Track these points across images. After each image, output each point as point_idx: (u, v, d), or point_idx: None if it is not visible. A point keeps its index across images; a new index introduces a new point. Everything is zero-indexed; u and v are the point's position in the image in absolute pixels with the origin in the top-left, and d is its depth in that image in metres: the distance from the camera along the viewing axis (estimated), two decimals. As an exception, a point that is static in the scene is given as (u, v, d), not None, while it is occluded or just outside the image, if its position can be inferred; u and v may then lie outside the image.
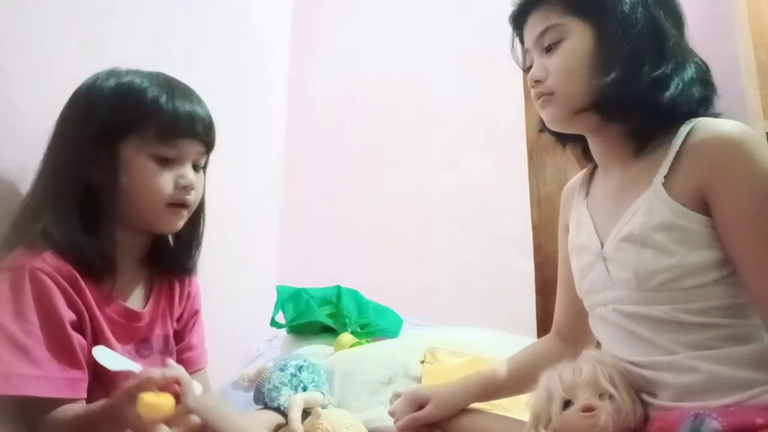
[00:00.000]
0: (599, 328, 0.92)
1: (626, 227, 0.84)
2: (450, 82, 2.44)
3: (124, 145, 0.90)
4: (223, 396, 1.50)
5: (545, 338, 1.13)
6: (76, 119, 0.92)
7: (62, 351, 0.83)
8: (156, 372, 0.73)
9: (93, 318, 0.89)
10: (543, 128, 0.99)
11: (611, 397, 0.78)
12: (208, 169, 1.07)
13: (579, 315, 0.99)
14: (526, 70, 0.96)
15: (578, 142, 1.00)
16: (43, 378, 0.81)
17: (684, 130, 0.82)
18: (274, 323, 1.84)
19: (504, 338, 1.69)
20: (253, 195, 2.07)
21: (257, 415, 1.24)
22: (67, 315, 0.85)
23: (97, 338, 0.90)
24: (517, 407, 1.10)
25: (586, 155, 1.01)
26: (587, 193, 1.00)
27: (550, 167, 2.32)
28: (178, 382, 0.74)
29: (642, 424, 0.79)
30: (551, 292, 2.13)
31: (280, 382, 1.29)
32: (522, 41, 0.98)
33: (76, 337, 0.85)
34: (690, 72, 0.86)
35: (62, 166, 0.90)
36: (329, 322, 1.74)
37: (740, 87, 1.77)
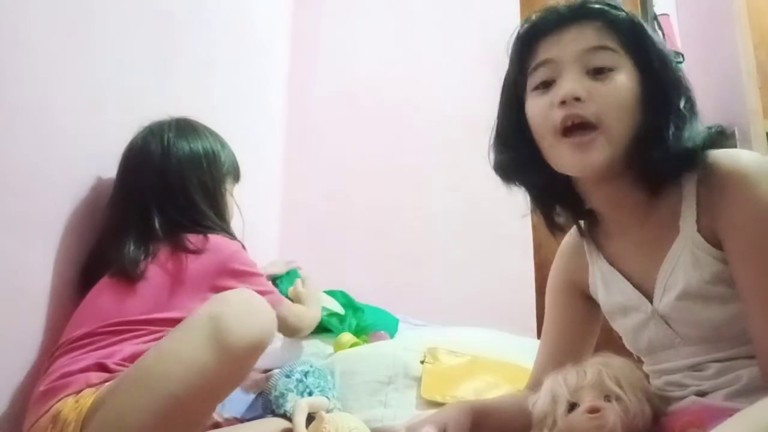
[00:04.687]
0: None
1: (676, 284, 0.79)
2: (450, 82, 2.44)
3: (223, 188, 1.31)
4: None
5: (518, 397, 0.98)
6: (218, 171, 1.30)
7: None
8: None
9: None
10: (501, 168, 0.92)
11: (618, 398, 0.77)
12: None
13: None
14: (541, 85, 0.84)
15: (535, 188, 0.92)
16: None
17: (696, 169, 0.78)
18: (274, 323, 1.83)
19: (504, 338, 1.68)
20: (253, 195, 2.06)
21: (264, 423, 1.25)
22: None
23: None
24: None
25: (545, 209, 0.93)
26: (599, 247, 0.92)
27: (550, 167, 2.31)
28: None
29: (651, 424, 0.79)
30: (551, 291, 2.13)
31: (285, 389, 1.30)
32: (529, 49, 0.85)
33: None
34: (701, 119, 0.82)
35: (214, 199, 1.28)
36: (330, 324, 1.73)
37: (740, 87, 1.77)
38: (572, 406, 0.79)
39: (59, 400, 0.94)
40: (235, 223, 1.37)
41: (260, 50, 2.31)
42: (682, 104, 0.79)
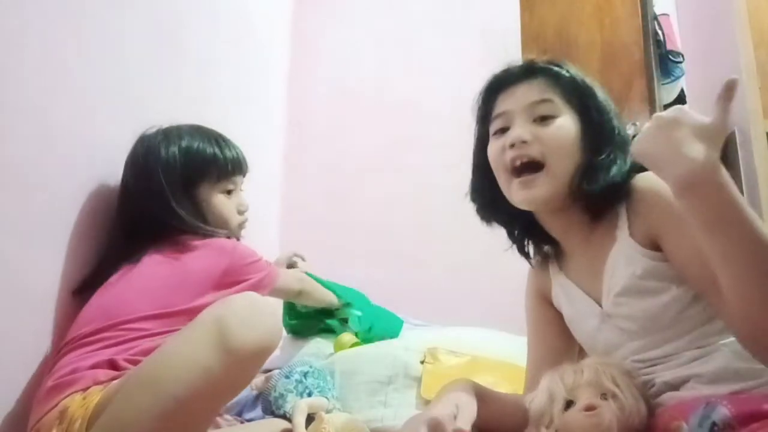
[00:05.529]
0: None
1: (616, 284, 0.91)
2: (450, 82, 2.44)
3: (200, 190, 1.29)
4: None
5: (516, 396, 1.06)
6: (175, 178, 1.26)
7: None
8: None
9: None
10: (477, 202, 1.06)
11: (614, 396, 0.78)
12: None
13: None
14: (499, 131, 0.98)
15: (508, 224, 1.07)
16: None
17: (623, 196, 0.94)
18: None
19: (504, 338, 1.69)
20: (253, 195, 2.07)
21: (263, 423, 1.25)
22: None
23: None
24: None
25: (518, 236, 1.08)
26: (560, 267, 1.06)
27: (550, 167, 2.31)
28: None
29: (646, 422, 0.79)
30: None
31: (285, 390, 1.30)
32: (490, 102, 1.01)
33: None
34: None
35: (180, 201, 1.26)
36: (333, 323, 1.73)
37: (740, 87, 1.76)
38: (569, 404, 0.80)
39: (67, 396, 0.95)
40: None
41: (260, 50, 2.32)
42: (612, 148, 0.94)
